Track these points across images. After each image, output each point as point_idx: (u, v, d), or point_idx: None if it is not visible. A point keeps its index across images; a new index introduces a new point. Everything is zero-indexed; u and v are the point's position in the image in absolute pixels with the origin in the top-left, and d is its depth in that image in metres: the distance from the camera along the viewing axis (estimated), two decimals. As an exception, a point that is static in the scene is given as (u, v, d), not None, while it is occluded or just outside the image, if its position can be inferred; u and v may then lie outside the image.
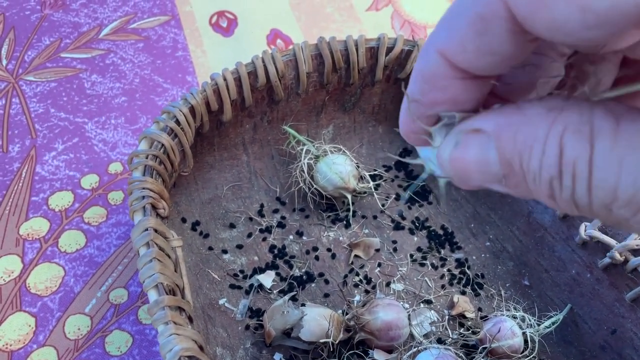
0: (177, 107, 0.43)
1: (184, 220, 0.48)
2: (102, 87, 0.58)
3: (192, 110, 0.44)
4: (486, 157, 0.19)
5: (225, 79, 0.46)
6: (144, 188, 0.38)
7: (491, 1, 0.17)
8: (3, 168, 0.52)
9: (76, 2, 0.66)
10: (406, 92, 0.22)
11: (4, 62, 0.60)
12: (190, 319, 0.36)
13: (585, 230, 0.43)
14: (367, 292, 0.47)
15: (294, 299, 0.46)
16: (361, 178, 0.51)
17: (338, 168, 0.49)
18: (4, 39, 0.62)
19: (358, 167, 0.51)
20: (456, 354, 0.40)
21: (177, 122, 0.43)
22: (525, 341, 0.43)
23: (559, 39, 0.17)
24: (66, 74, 0.59)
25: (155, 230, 0.37)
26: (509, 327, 0.42)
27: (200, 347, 0.34)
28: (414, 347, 0.41)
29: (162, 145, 0.41)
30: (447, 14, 0.19)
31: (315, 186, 0.50)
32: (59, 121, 0.55)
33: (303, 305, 0.45)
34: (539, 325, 0.44)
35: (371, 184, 0.51)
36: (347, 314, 0.44)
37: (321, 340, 0.40)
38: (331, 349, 0.41)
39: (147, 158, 0.40)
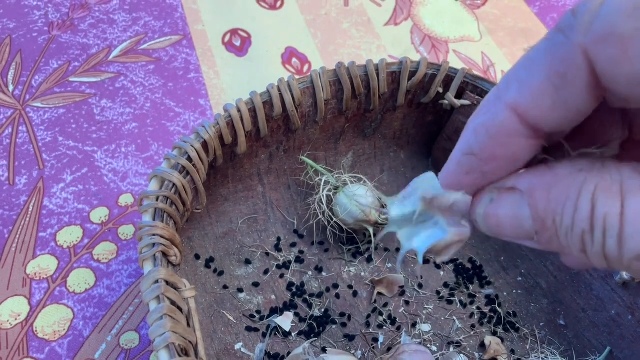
0: (189, 143, 0.41)
1: (197, 256, 0.46)
2: (112, 113, 0.56)
3: (204, 145, 0.42)
4: (520, 214, 0.20)
5: (239, 110, 0.43)
6: (154, 234, 0.36)
7: (571, 55, 0.18)
8: (9, 202, 0.50)
9: (85, 23, 0.64)
10: (457, 147, 0.22)
11: (11, 87, 0.58)
12: (204, 378, 0.33)
13: (627, 270, 0.40)
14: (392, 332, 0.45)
15: (313, 342, 0.43)
16: (383, 208, 0.48)
17: (359, 200, 0.46)
18: (10, 63, 0.60)
19: (380, 197, 0.48)
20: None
21: (189, 159, 0.41)
22: (564, 390, 0.40)
23: (635, 93, 0.17)
24: (75, 99, 0.57)
25: (167, 282, 0.34)
26: (546, 376, 0.39)
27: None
28: (444, 400, 0.38)
29: (174, 185, 0.39)
30: (517, 68, 0.19)
31: (335, 219, 0.47)
32: (68, 150, 0.53)
33: (324, 349, 0.42)
34: (577, 371, 0.41)
35: (394, 215, 0.48)
36: (370, 359, 0.41)
37: (345, 395, 0.38)
38: (355, 402, 0.39)
39: (157, 200, 0.38)
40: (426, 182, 0.24)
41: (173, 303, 0.34)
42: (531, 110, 0.19)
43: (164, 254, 0.36)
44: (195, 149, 0.41)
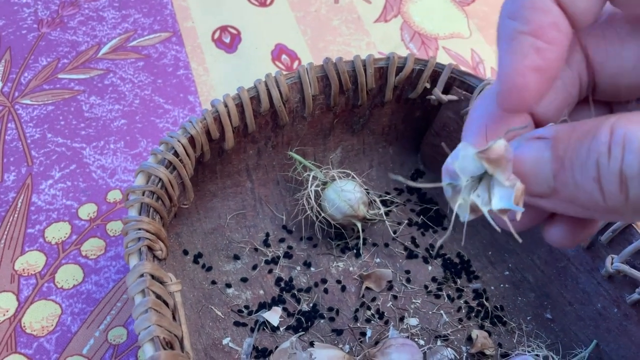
0: (176, 138, 0.41)
1: (185, 252, 0.46)
2: (101, 110, 0.56)
3: (191, 140, 0.42)
4: (542, 157, 0.21)
5: (226, 106, 0.43)
6: (139, 229, 0.36)
7: None
8: (-2, 198, 0.50)
9: (74, 20, 0.63)
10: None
11: (0, 84, 0.58)
12: (190, 372, 0.33)
13: (612, 264, 0.41)
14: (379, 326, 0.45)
15: (301, 337, 0.43)
16: (371, 203, 0.49)
17: (347, 195, 0.47)
18: None
19: (368, 192, 0.49)
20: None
21: (176, 154, 0.41)
22: (550, 382, 0.40)
23: None
24: (64, 96, 0.57)
25: (152, 276, 0.34)
26: (532, 369, 0.40)
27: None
28: (431, 393, 0.38)
29: (160, 179, 0.39)
30: None
31: (323, 215, 0.47)
32: (56, 147, 0.53)
33: (312, 344, 0.43)
34: (563, 364, 0.41)
35: (382, 210, 0.48)
36: (357, 353, 0.41)
37: (331, 388, 0.38)
38: (342, 396, 0.39)
39: (143, 195, 0.38)
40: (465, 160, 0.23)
41: (158, 297, 0.34)
42: None
43: (150, 248, 0.36)
44: (182, 144, 0.41)
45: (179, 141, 0.41)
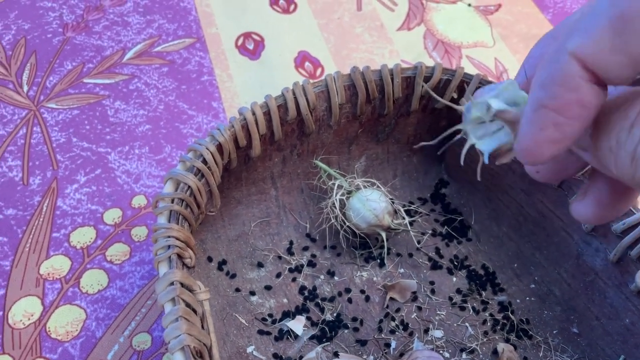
0: (204, 145, 0.41)
1: (210, 259, 0.46)
2: (126, 115, 0.56)
3: (219, 147, 0.42)
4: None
5: (254, 114, 0.43)
6: (169, 236, 0.36)
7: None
8: (23, 202, 0.50)
9: (99, 25, 0.64)
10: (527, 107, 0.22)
11: (25, 88, 0.58)
12: (218, 381, 0.33)
13: (643, 279, 0.40)
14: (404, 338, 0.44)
15: (325, 347, 0.43)
16: (395, 213, 0.48)
17: (372, 205, 0.46)
18: (25, 63, 0.60)
19: (393, 202, 0.48)
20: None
21: (204, 162, 0.41)
22: (577, 399, 0.39)
23: None
24: (89, 100, 0.57)
25: (182, 284, 0.34)
26: (560, 385, 0.39)
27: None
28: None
29: (189, 187, 0.39)
30: (577, 18, 0.21)
31: (347, 224, 0.47)
32: (81, 151, 0.54)
33: (336, 354, 0.42)
34: (591, 380, 0.40)
35: (406, 220, 0.48)
36: (383, 365, 0.41)
37: (358, 400, 0.38)
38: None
39: (172, 202, 0.38)
40: (509, 90, 0.25)
41: (188, 305, 0.34)
42: (593, 56, 0.20)
43: (179, 256, 0.36)
44: (210, 152, 0.41)
45: (207, 149, 0.41)
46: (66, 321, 0.44)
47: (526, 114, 0.22)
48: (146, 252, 0.48)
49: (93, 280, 0.46)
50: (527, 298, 0.47)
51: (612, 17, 0.19)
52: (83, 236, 0.48)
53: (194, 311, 0.34)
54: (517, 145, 0.23)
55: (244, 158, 0.45)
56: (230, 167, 0.45)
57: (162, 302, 0.33)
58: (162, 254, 0.35)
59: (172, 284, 0.34)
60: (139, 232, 0.49)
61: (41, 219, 0.49)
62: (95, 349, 0.43)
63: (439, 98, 0.30)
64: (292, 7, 0.68)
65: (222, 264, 0.46)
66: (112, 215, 0.50)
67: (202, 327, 0.34)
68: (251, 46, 0.63)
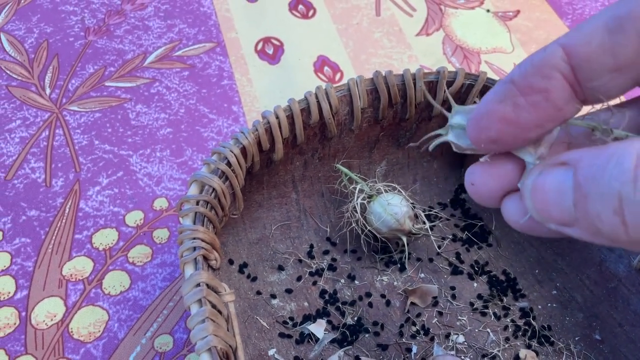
0: (228, 148, 0.41)
1: (231, 261, 0.46)
2: (147, 118, 0.57)
3: (243, 150, 0.42)
4: (562, 184, 0.20)
5: (277, 117, 0.44)
6: (195, 238, 0.36)
7: (633, 2, 0.18)
8: (46, 203, 0.50)
9: (120, 29, 0.64)
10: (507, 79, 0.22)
11: (48, 90, 0.59)
12: (243, 383, 0.33)
13: (668, 286, 0.40)
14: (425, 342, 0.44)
15: (346, 351, 0.43)
16: (416, 217, 0.48)
17: (393, 209, 0.46)
18: (47, 66, 0.61)
19: (414, 207, 0.48)
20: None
21: (229, 164, 0.41)
22: (601, 406, 0.39)
23: None
24: (111, 103, 0.58)
25: (208, 286, 0.34)
26: (584, 391, 0.39)
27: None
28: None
29: (214, 189, 0.39)
30: (582, 22, 0.21)
31: (368, 228, 0.47)
32: (104, 154, 0.54)
33: (357, 358, 0.42)
34: (615, 387, 0.40)
35: (427, 224, 0.48)
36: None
37: (381, 404, 0.38)
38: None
39: (197, 204, 0.38)
40: None
41: (214, 307, 0.34)
42: (579, 47, 0.19)
43: (205, 258, 0.36)
44: (234, 155, 0.41)
45: (231, 151, 0.41)
46: (89, 322, 0.44)
47: (495, 86, 0.22)
48: (167, 254, 0.48)
49: (115, 281, 0.46)
50: (549, 304, 0.47)
51: (608, 18, 0.19)
52: (105, 238, 0.49)
53: (220, 312, 0.34)
54: (471, 115, 0.22)
55: (266, 161, 0.46)
56: (252, 171, 0.45)
57: (188, 304, 0.33)
58: (188, 255, 0.36)
59: (198, 285, 0.34)
60: (161, 234, 0.49)
61: (64, 221, 0.49)
62: (118, 350, 0.43)
63: (435, 103, 0.31)
64: (311, 12, 0.68)
65: (243, 267, 0.46)
66: (134, 218, 0.50)
67: (228, 329, 0.35)
68: (271, 51, 0.64)
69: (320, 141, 0.47)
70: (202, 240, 0.36)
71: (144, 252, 0.48)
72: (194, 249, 0.36)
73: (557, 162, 0.21)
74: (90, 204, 0.51)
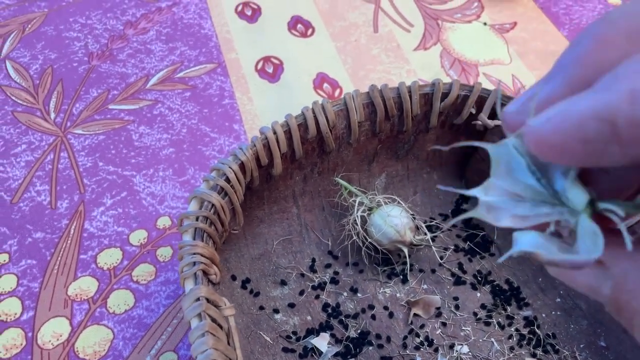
0: (227, 164, 0.42)
1: (233, 277, 0.47)
2: (150, 139, 0.58)
3: (242, 166, 0.43)
4: (599, 287, 0.19)
5: (275, 133, 0.44)
6: (194, 253, 0.37)
7: None
8: (52, 225, 0.51)
9: (123, 53, 0.66)
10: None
11: (52, 115, 0.60)
12: (245, 396, 0.33)
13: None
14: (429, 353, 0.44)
15: (351, 363, 0.43)
16: (417, 229, 0.49)
17: (394, 221, 0.47)
18: (52, 91, 0.62)
19: (414, 218, 0.49)
20: None
21: (227, 180, 0.41)
22: (608, 413, 0.39)
23: None
24: (114, 126, 0.59)
25: (207, 300, 0.35)
26: (590, 399, 0.38)
27: None
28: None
29: (213, 205, 0.40)
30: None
31: (369, 240, 0.47)
32: (108, 175, 0.55)
33: (361, 371, 0.42)
34: (622, 394, 0.40)
35: (428, 235, 0.48)
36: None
37: (384, 415, 0.38)
38: None
39: (197, 220, 0.39)
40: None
41: (214, 321, 0.34)
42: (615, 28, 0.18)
43: (204, 273, 0.37)
44: (233, 170, 0.42)
45: (230, 167, 0.41)
46: (94, 341, 0.45)
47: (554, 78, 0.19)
48: (171, 271, 0.49)
49: (120, 300, 0.47)
50: (553, 312, 0.46)
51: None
52: (110, 257, 0.49)
53: (220, 327, 0.35)
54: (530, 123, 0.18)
55: (265, 177, 0.46)
56: (252, 186, 0.45)
57: (188, 318, 0.34)
58: (188, 270, 0.36)
59: (198, 299, 0.34)
60: (164, 253, 0.50)
61: (69, 242, 0.50)
62: (123, 368, 0.43)
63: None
64: (309, 30, 0.69)
65: (245, 283, 0.47)
66: (138, 237, 0.51)
67: (228, 342, 0.35)
68: (270, 69, 0.65)
69: (319, 155, 0.48)
70: (202, 255, 0.36)
71: (147, 270, 0.49)
72: (194, 264, 0.36)
73: (595, 258, 0.18)
74: (94, 224, 0.51)
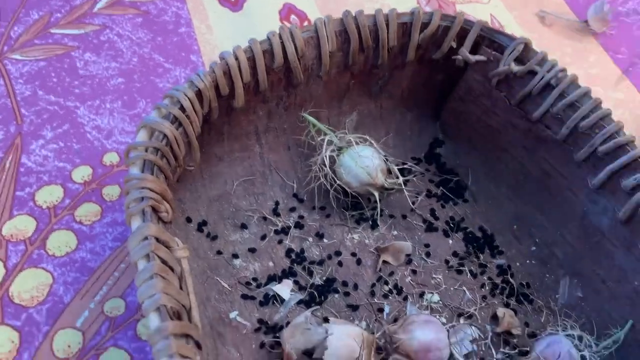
0: (182, 91, 0.37)
1: (189, 219, 0.43)
2: (97, 67, 0.52)
3: (199, 94, 0.38)
4: None
5: (237, 58, 0.39)
6: (143, 188, 0.32)
7: None
8: (-16, 158, 0.46)
9: (68, -28, 0.59)
10: None
11: (-13, 38, 0.53)
12: (198, 346, 0.30)
13: (655, 238, 0.38)
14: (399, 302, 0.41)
15: (314, 312, 0.40)
16: (389, 172, 0.45)
17: (365, 162, 0.43)
18: (-13, 12, 0.55)
19: (387, 160, 0.45)
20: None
21: (182, 109, 0.37)
22: (583, 364, 0.37)
23: None
24: (56, 52, 0.53)
25: (157, 240, 0.31)
26: (567, 350, 0.37)
27: (211, 382, 0.28)
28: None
29: (165, 135, 0.35)
30: None
31: (338, 182, 0.44)
32: (48, 105, 0.49)
33: (326, 320, 0.39)
34: (597, 345, 0.38)
35: (400, 179, 0.45)
36: (375, 330, 0.38)
37: (351, 367, 0.35)
38: (362, 376, 0.35)
39: (146, 151, 0.34)
40: None
41: (164, 263, 0.30)
42: None
43: (154, 209, 0.32)
44: (188, 98, 0.37)
45: (185, 95, 0.37)
46: (31, 285, 0.40)
47: None
48: (119, 212, 0.44)
49: (60, 242, 0.42)
50: (528, 261, 0.44)
51: None
52: (50, 195, 0.44)
53: (171, 269, 0.31)
54: None
55: (226, 109, 0.42)
56: (210, 119, 0.41)
57: (135, 259, 0.30)
58: (135, 206, 0.32)
59: (146, 238, 0.30)
60: (111, 192, 0.45)
61: (4, 177, 0.45)
62: (63, 315, 0.39)
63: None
64: (276, -42, 0.64)
65: (202, 225, 0.43)
66: (82, 173, 0.46)
67: (181, 287, 0.31)
68: (233, -3, 0.59)
69: (286, 88, 0.44)
70: (151, 190, 0.32)
71: (92, 210, 0.44)
72: (142, 199, 0.32)
73: None
74: (33, 158, 0.46)
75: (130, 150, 0.34)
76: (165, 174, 0.35)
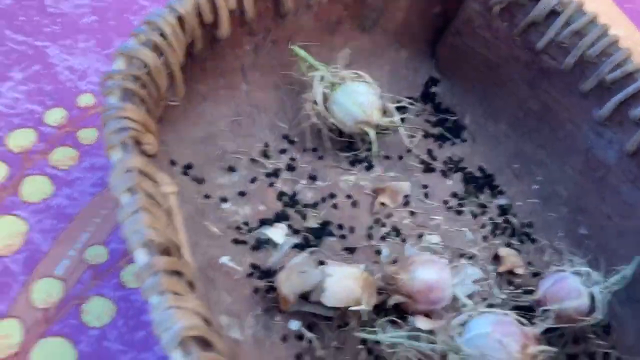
0: (162, 17, 0.34)
1: (173, 162, 0.40)
2: (67, 5, 0.48)
3: (180, 21, 0.35)
4: None
5: (221, -17, 0.36)
6: (122, 117, 0.29)
7: None
8: (-53, 101, 0.42)
9: None
10: None
11: (-55, -26, 0.49)
12: (191, 285, 0.27)
13: (665, 170, 0.36)
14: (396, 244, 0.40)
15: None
16: (384, 112, 0.43)
17: (359, 98, 0.41)
18: (-56, -53, 0.51)
19: (381, 97, 0.43)
20: (517, 320, 0.33)
21: (163, 36, 0.34)
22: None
23: None
24: (22, -12, 0.49)
25: (141, 172, 0.28)
26: (574, 286, 0.35)
27: (207, 321, 0.26)
28: (464, 312, 0.33)
29: (145, 64, 0.32)
30: None
31: (331, 120, 0.41)
32: (16, 45, 0.46)
33: (322, 263, 0.37)
34: (606, 281, 0.37)
35: (397, 117, 0.42)
36: (374, 273, 0.36)
37: (353, 308, 0.33)
38: (363, 318, 0.34)
39: (125, 80, 0.31)
40: None
41: (150, 197, 0.28)
42: None
43: (137, 141, 0.30)
44: (169, 24, 0.34)
45: (166, 20, 0.34)
46: (5, 233, 0.37)
47: None
48: (97, 156, 0.41)
49: (35, 188, 0.39)
50: (529, 200, 0.43)
51: None
52: (22, 139, 0.41)
53: (158, 205, 0.28)
54: None
55: (209, 40, 0.38)
56: (193, 51, 0.38)
57: (117, 193, 0.27)
58: (115, 138, 0.29)
59: (128, 171, 0.28)
60: (88, 135, 0.42)
61: (-31, 121, 0.42)
62: (41, 264, 0.37)
63: None
64: None
65: (187, 168, 0.40)
66: (55, 116, 0.42)
67: (168, 224, 0.28)
68: None
69: (274, 19, 0.41)
70: (132, 120, 0.29)
71: (68, 154, 0.41)
72: (122, 130, 0.29)
73: None
74: (2, 101, 0.43)
75: (106, 79, 0.31)
76: (148, 105, 0.32)
